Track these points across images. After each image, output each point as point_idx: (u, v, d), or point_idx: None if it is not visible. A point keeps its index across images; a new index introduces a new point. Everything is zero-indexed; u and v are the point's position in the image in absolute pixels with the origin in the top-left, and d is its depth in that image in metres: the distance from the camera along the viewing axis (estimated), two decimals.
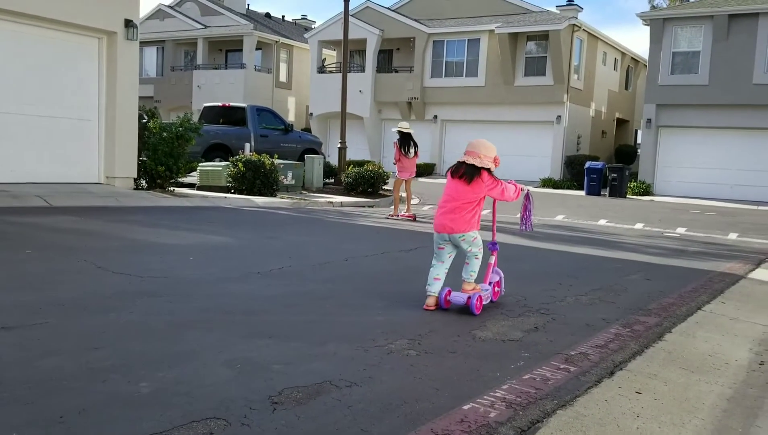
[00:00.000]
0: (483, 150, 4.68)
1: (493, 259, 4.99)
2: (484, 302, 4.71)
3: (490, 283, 4.92)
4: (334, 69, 31.62)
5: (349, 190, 16.01)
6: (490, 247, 5.01)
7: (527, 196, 5.25)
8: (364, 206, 14.22)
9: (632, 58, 33.23)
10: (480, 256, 4.76)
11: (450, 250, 4.76)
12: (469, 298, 4.58)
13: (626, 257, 8.06)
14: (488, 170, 4.67)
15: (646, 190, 23.04)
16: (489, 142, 4.81)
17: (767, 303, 5.96)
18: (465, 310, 4.64)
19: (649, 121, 23.89)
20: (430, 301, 4.67)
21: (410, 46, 30.07)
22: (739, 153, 22.92)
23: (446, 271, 4.77)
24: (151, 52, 36.47)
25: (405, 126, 11.69)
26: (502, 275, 5.09)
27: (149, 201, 10.83)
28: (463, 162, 4.67)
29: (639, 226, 12.74)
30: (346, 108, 18.72)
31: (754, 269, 7.71)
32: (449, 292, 4.68)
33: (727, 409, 3.20)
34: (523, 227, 5.28)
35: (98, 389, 2.83)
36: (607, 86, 30.87)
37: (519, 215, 5.37)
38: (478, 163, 4.62)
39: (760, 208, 19.80)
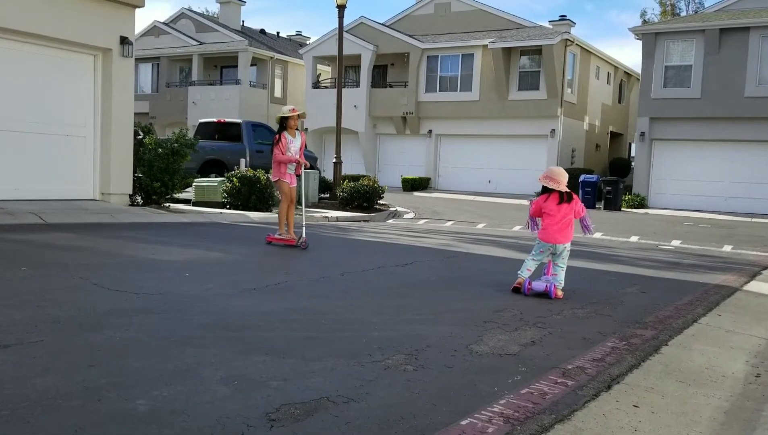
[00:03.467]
0: (563, 178, 6.00)
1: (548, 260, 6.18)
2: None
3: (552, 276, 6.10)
4: (329, 84, 31.77)
5: (345, 204, 16.04)
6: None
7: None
8: (359, 221, 14.24)
9: (625, 72, 33.47)
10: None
11: (547, 255, 6.10)
12: (546, 286, 5.91)
13: (622, 270, 8.08)
14: None
15: (641, 203, 23.13)
16: (558, 168, 6.19)
17: (763, 315, 5.98)
18: (462, 324, 4.66)
19: (642, 134, 24.03)
20: (520, 281, 6.03)
21: (404, 61, 30.24)
22: (732, 165, 23.06)
23: (536, 267, 6.16)
24: (146, 69, 36.58)
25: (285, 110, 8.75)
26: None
27: (144, 217, 10.82)
28: (555, 189, 5.99)
29: (634, 238, 12.78)
30: (341, 123, 18.78)
31: (749, 281, 7.73)
32: (530, 283, 5.97)
33: (724, 422, 3.20)
34: (587, 232, 6.46)
35: (94, 408, 2.82)
36: (600, 100, 31.07)
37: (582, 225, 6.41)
38: (564, 189, 5.99)
39: (754, 220, 19.89)
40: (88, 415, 2.74)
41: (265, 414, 2.83)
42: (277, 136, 8.59)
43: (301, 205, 9.28)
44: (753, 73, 22.17)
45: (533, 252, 6.18)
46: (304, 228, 8.62)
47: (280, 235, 8.74)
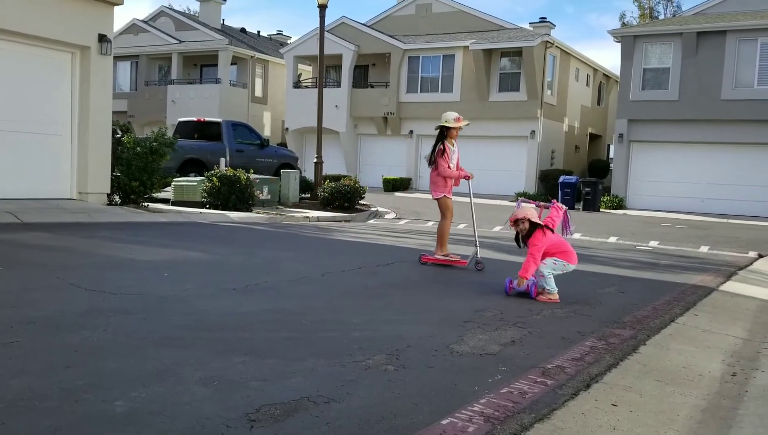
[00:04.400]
0: (529, 211, 5.97)
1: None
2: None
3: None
4: (310, 84, 31.70)
5: (326, 204, 16.00)
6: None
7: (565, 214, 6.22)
8: (340, 221, 14.22)
9: (604, 74, 33.79)
10: None
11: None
12: (528, 285, 5.81)
13: (600, 270, 8.14)
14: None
15: (619, 204, 23.36)
16: (526, 204, 6.15)
17: (739, 315, 6.06)
18: (443, 324, 4.68)
19: (621, 136, 24.28)
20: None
21: (386, 62, 30.26)
22: (709, 167, 23.38)
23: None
24: (124, 67, 36.25)
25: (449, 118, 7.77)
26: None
27: (123, 217, 10.71)
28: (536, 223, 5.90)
29: (612, 239, 12.90)
30: (323, 123, 18.74)
31: (725, 282, 7.83)
32: (512, 282, 5.90)
33: (701, 421, 3.24)
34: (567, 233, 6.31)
35: (71, 409, 2.78)
36: (579, 102, 31.33)
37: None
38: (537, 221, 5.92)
39: (730, 221, 20.17)
40: (65, 417, 2.70)
41: (245, 415, 2.81)
42: (441, 146, 7.60)
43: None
44: (729, 76, 22.49)
45: (551, 269, 5.85)
46: (477, 247, 7.56)
47: (445, 255, 7.73)
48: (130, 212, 11.32)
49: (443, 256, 7.72)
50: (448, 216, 7.79)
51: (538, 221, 5.88)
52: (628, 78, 24.18)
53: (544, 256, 5.84)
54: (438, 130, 7.73)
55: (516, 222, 5.94)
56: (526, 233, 5.90)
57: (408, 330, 4.51)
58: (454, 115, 7.64)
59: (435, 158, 7.63)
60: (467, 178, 7.70)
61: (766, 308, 6.53)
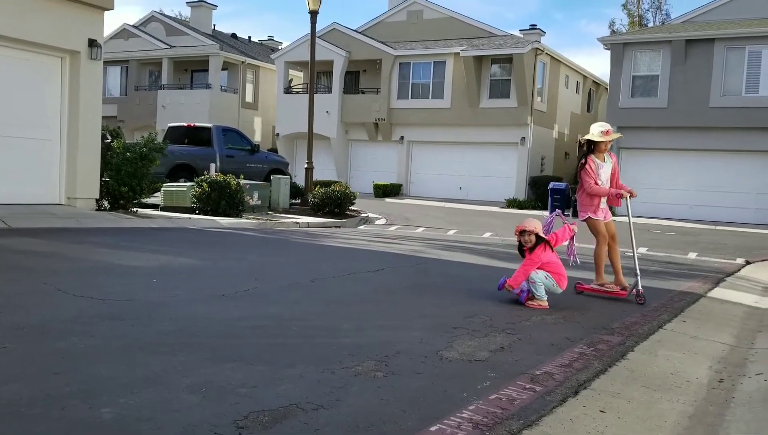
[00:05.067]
0: (539, 227, 6.04)
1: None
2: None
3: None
4: (301, 90, 31.71)
5: (316, 210, 15.99)
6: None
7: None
8: (330, 227, 14.21)
9: (593, 81, 33.97)
10: None
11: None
12: (520, 291, 5.91)
13: (590, 277, 8.15)
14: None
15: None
16: (531, 219, 6.17)
17: (726, 321, 6.10)
18: (432, 330, 4.69)
19: None
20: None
21: (377, 68, 30.31)
22: (697, 174, 23.55)
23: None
24: (114, 72, 36.12)
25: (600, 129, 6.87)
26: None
27: (112, 222, 10.67)
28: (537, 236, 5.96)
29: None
30: (313, 128, 18.75)
31: (713, 288, 7.88)
32: (507, 281, 5.98)
33: (688, 427, 3.26)
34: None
35: (59, 416, 2.77)
36: (569, 109, 31.48)
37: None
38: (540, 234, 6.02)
39: (718, 228, 20.30)
40: (52, 423, 2.68)
41: (234, 421, 2.80)
42: (583, 160, 6.80)
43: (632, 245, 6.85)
44: (718, 83, 22.68)
45: (542, 279, 5.83)
46: (639, 277, 6.44)
47: (601, 284, 6.82)
48: (119, 218, 11.27)
49: (599, 285, 6.83)
50: (600, 241, 6.81)
51: (544, 236, 5.97)
52: (617, 85, 24.34)
53: (540, 268, 5.89)
54: (583, 145, 6.98)
55: (522, 232, 6.00)
56: (531, 246, 5.94)
57: (398, 336, 4.52)
58: (603, 127, 6.78)
59: (578, 173, 6.84)
60: (621, 196, 6.67)
61: (753, 314, 6.58)
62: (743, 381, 4.12)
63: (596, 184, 6.71)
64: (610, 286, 6.77)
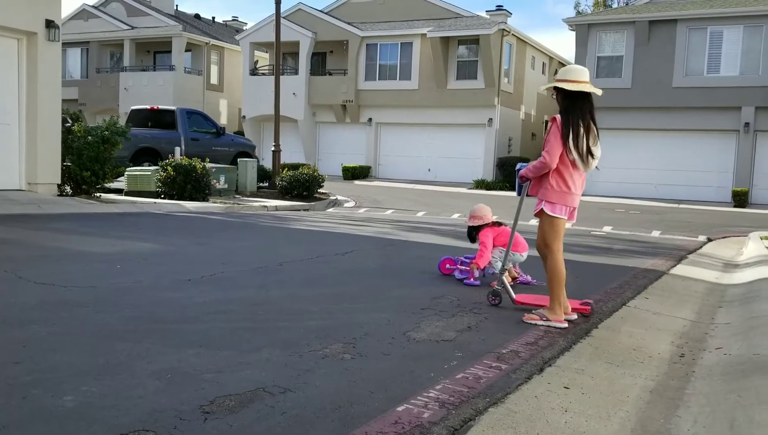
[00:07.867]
0: (485, 211, 6.25)
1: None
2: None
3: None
4: (267, 71, 31.34)
5: (284, 193, 15.90)
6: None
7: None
8: (299, 210, 14.14)
9: (559, 62, 34.17)
10: None
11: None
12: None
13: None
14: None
15: None
16: (477, 207, 6.32)
17: (688, 298, 6.23)
18: (400, 312, 4.71)
19: None
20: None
21: (344, 49, 30.08)
22: (661, 154, 23.93)
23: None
24: (75, 54, 35.28)
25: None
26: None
27: (74, 208, 10.46)
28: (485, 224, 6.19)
29: (567, 225, 13.09)
30: (280, 111, 18.57)
31: (675, 265, 8.04)
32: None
33: (650, 401, 3.33)
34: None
35: (19, 405, 2.71)
36: (535, 89, 31.65)
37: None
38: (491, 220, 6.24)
39: (681, 206, 20.71)
40: (13, 413, 2.63)
41: (199, 407, 2.78)
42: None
43: None
44: (680, 64, 23.01)
45: (498, 257, 6.02)
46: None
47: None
48: (82, 203, 11.05)
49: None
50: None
51: (490, 220, 6.20)
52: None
53: (494, 245, 6.08)
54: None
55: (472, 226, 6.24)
56: (478, 225, 6.17)
57: (365, 318, 4.52)
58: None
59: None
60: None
61: (714, 290, 6.73)
62: (704, 355, 4.22)
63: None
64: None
